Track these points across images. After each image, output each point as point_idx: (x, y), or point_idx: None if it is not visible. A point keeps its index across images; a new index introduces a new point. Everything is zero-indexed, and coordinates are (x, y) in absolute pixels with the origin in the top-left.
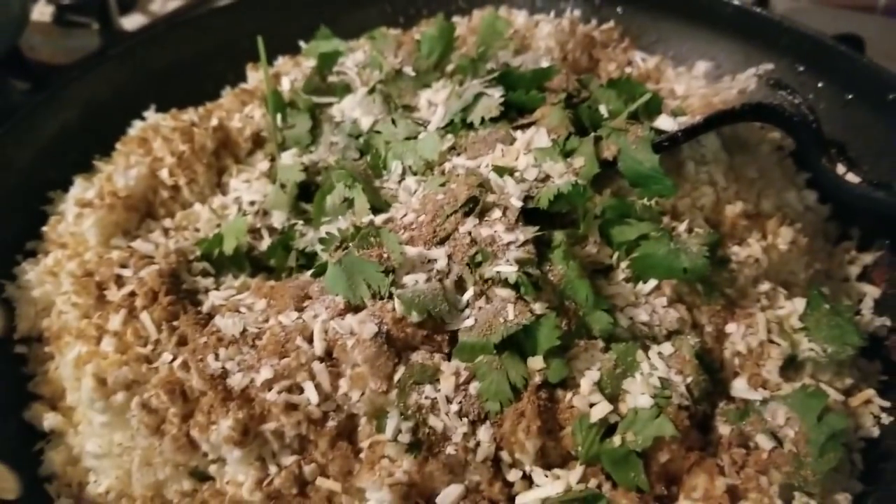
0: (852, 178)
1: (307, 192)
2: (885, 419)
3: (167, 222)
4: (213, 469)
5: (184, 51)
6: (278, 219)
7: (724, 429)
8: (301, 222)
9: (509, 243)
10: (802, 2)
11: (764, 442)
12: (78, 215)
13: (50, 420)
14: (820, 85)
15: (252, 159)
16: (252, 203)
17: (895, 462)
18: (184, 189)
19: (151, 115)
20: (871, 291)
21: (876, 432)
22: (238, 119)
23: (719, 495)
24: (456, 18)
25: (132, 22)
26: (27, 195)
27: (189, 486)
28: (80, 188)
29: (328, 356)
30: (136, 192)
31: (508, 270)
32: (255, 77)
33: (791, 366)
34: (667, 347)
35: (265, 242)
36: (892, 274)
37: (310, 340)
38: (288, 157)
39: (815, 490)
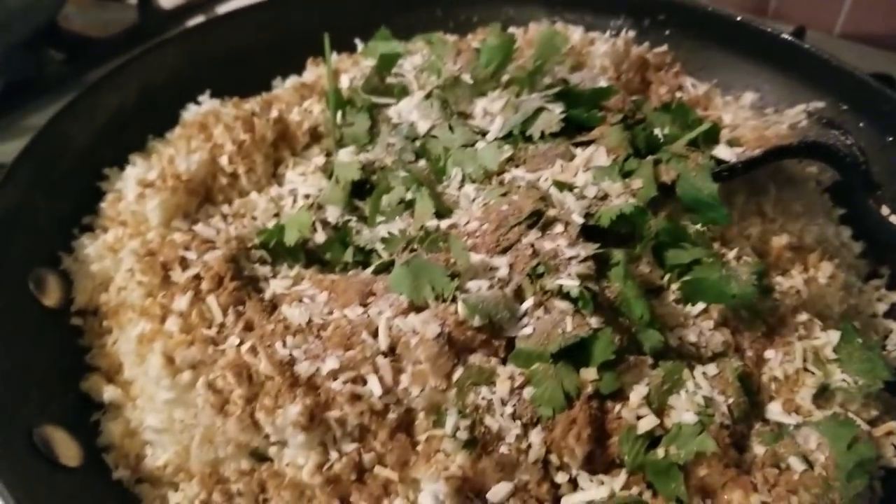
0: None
1: (360, 190)
2: None
3: (225, 208)
4: (272, 451)
5: (237, 40)
6: (332, 214)
7: (758, 449)
8: (355, 219)
9: (571, 258)
10: (833, 37)
11: (796, 464)
12: (140, 195)
13: (109, 393)
14: (861, 125)
15: (308, 153)
16: (307, 196)
17: None
18: (242, 177)
19: (206, 100)
20: None
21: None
22: (297, 112)
23: None
24: (512, 29)
25: (167, 0)
26: (84, 171)
27: (247, 466)
28: (142, 168)
29: (391, 352)
30: (196, 176)
31: (571, 284)
32: (314, 72)
33: (823, 394)
34: (711, 368)
35: (319, 235)
36: None
37: (374, 335)
38: (345, 155)
39: None
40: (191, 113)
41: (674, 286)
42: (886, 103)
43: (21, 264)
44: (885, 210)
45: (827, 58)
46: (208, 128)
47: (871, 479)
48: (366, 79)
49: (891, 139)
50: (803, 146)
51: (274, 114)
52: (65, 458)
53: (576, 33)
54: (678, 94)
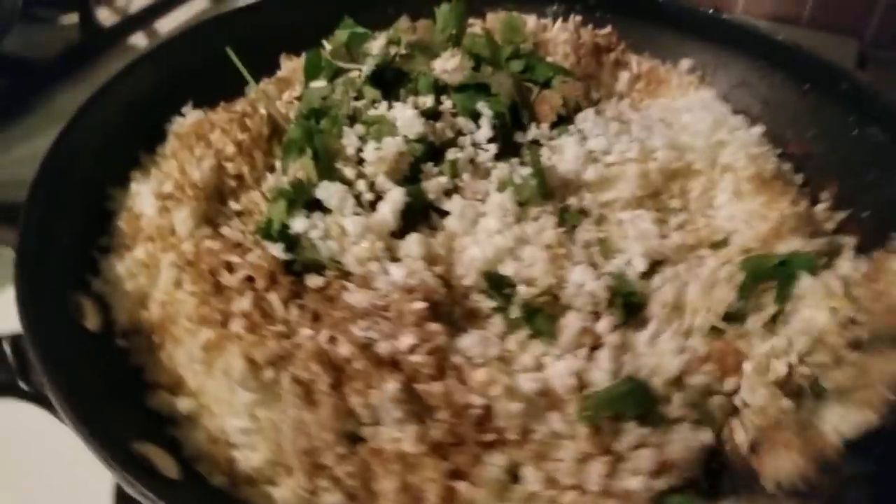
0: None
1: None
2: None
3: (234, 205)
4: (365, 431)
5: (206, 50)
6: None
7: None
8: None
9: None
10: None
11: None
12: (162, 208)
13: (185, 404)
14: (779, 78)
15: None
16: None
17: None
18: (247, 176)
19: (189, 111)
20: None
21: None
22: (281, 105)
23: None
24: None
25: (102, 17)
26: (90, 194)
27: (344, 450)
28: (153, 183)
29: None
30: (210, 183)
31: None
32: (288, 66)
33: None
34: None
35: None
36: None
37: None
38: None
39: None
40: (179, 125)
41: None
42: (798, 58)
43: (58, 295)
44: None
45: (744, 25)
46: (205, 135)
47: None
48: (332, 49)
49: (807, 86)
50: None
51: (262, 111)
52: (166, 471)
53: (530, 20)
54: (625, 74)
